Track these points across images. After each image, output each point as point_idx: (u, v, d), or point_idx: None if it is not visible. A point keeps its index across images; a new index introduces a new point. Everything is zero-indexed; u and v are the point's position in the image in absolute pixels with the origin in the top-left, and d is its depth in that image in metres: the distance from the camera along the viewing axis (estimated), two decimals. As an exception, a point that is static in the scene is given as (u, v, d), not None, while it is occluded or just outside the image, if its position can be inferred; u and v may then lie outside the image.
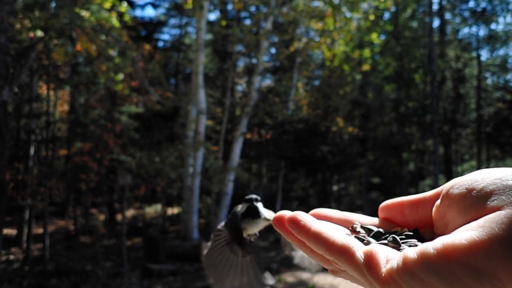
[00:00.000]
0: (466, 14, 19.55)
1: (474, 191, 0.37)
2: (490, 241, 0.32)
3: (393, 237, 0.41)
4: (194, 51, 12.83)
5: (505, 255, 0.31)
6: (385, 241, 0.41)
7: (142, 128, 15.51)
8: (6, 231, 11.47)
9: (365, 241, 0.41)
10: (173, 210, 17.97)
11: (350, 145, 16.51)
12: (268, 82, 19.06)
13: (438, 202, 0.42)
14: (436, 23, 19.62)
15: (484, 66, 19.79)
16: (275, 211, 0.68)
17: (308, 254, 0.45)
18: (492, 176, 0.37)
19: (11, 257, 10.45)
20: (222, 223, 1.10)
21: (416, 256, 0.35)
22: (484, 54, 29.20)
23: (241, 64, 17.80)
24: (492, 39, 19.28)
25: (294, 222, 0.43)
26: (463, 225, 0.36)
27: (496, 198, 0.35)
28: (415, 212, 0.45)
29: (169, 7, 22.20)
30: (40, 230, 11.82)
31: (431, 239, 0.37)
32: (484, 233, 0.33)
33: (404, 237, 0.42)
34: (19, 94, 11.88)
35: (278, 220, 0.44)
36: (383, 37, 17.58)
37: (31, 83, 12.12)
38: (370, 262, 0.37)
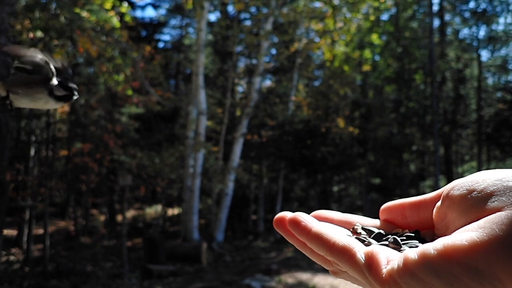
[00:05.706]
0: (467, 14, 19.56)
1: (474, 192, 0.38)
2: (490, 241, 0.32)
3: (394, 238, 0.41)
4: (195, 52, 12.85)
5: (505, 255, 0.32)
6: (386, 242, 0.41)
7: (142, 128, 15.52)
8: (6, 231, 11.46)
9: (366, 242, 0.41)
10: (173, 211, 17.97)
11: (351, 146, 16.51)
12: (268, 82, 19.06)
13: (438, 203, 0.42)
14: (436, 23, 19.62)
15: (485, 67, 19.79)
16: (275, 212, 0.68)
17: (309, 255, 0.45)
18: (493, 178, 0.38)
19: (12, 257, 10.44)
20: None
21: (416, 257, 0.35)
22: (485, 55, 29.25)
23: (241, 64, 17.81)
24: (493, 40, 19.28)
25: (295, 223, 0.43)
26: (463, 226, 0.36)
27: (496, 199, 0.36)
28: (416, 213, 0.45)
29: (169, 8, 22.24)
30: (41, 231, 11.81)
31: (432, 240, 0.37)
32: (485, 234, 0.33)
33: (405, 238, 0.42)
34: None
35: (279, 221, 0.44)
36: (383, 38, 17.58)
37: (31, 83, 12.10)
38: (371, 263, 0.37)
